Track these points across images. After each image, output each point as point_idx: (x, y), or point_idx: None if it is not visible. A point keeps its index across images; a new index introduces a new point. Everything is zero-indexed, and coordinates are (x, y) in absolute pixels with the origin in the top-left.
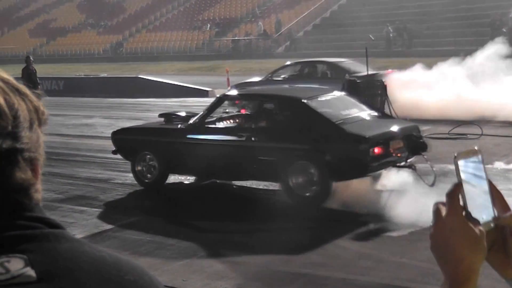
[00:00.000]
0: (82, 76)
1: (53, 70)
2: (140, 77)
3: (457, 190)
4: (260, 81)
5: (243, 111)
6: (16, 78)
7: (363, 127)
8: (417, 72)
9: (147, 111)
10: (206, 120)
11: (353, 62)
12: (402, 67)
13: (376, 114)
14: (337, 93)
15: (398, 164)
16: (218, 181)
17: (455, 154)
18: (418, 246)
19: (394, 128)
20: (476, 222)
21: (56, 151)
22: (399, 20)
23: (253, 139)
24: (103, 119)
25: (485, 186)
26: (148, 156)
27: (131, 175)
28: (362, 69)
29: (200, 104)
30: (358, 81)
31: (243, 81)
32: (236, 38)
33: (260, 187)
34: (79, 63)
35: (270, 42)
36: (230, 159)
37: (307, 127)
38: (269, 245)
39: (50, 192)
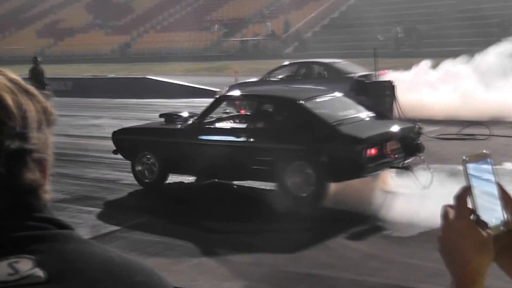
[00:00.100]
0: (90, 76)
1: (61, 71)
2: (148, 78)
3: (465, 193)
4: (256, 81)
5: (242, 112)
6: (24, 79)
7: (359, 128)
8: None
9: (155, 112)
10: (205, 121)
11: (348, 63)
12: (410, 67)
13: (373, 115)
14: (334, 94)
15: (394, 165)
16: (217, 181)
17: (464, 157)
18: (427, 247)
19: (390, 129)
20: (484, 225)
21: (64, 151)
22: (407, 20)
23: (250, 139)
24: (111, 120)
25: (495, 190)
26: (148, 156)
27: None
28: (356, 70)
29: (207, 104)
30: (366, 81)
31: (240, 82)
32: (244, 38)
33: (263, 186)
34: (87, 64)
35: (278, 42)
36: (227, 159)
37: (304, 128)
38: (276, 245)
39: (58, 193)
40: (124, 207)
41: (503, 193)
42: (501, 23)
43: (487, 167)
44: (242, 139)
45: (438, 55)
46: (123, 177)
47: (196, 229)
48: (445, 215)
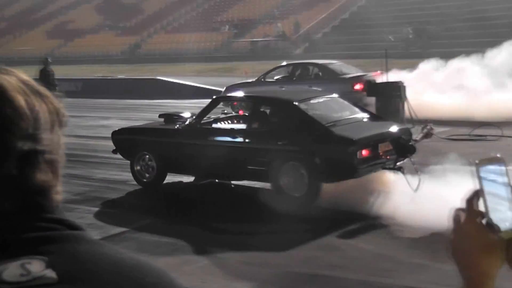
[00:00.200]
0: (100, 77)
1: (71, 72)
2: (158, 79)
3: (475, 196)
4: (252, 82)
5: (241, 112)
6: (34, 80)
7: (353, 129)
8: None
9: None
10: (202, 121)
11: (343, 64)
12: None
13: (368, 116)
14: (330, 96)
15: (387, 167)
16: (218, 181)
17: (476, 161)
18: (437, 248)
19: (383, 130)
20: (495, 229)
21: (73, 152)
22: (417, 21)
23: (245, 140)
24: (121, 121)
25: (509, 194)
26: (147, 156)
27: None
28: (351, 71)
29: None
30: (377, 82)
31: (236, 83)
32: (254, 39)
33: (267, 187)
34: (96, 65)
35: (288, 43)
36: (223, 159)
37: (298, 129)
38: (284, 246)
39: (67, 193)
40: (132, 208)
41: None
42: (510, 24)
43: (500, 170)
44: (237, 139)
45: (448, 56)
46: (132, 178)
47: (204, 229)
48: (455, 217)
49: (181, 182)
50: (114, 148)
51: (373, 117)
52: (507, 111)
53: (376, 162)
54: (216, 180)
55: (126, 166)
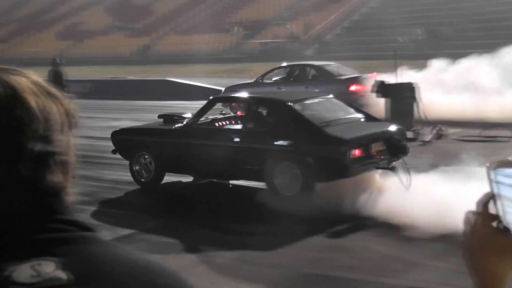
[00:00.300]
0: (109, 78)
1: (80, 73)
2: (167, 80)
3: (488, 199)
4: (250, 83)
5: (239, 113)
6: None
7: (345, 129)
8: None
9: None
10: (199, 122)
11: (339, 65)
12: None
13: (363, 117)
14: (325, 97)
15: (380, 166)
16: (216, 181)
17: (487, 164)
18: (449, 249)
19: (376, 130)
20: (507, 232)
21: (82, 153)
22: (428, 22)
23: (240, 140)
24: (130, 122)
25: None
26: (146, 156)
27: (170, 178)
28: (347, 72)
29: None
30: (387, 83)
31: (235, 84)
32: (264, 40)
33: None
34: (106, 66)
35: (298, 44)
36: (219, 159)
37: (292, 129)
38: (295, 247)
39: (76, 194)
40: (142, 209)
41: None
42: None
43: None
44: (233, 139)
45: (459, 57)
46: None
47: (214, 230)
48: (467, 220)
49: (184, 182)
50: (114, 148)
51: (368, 118)
52: None
53: (369, 162)
54: (215, 180)
55: None
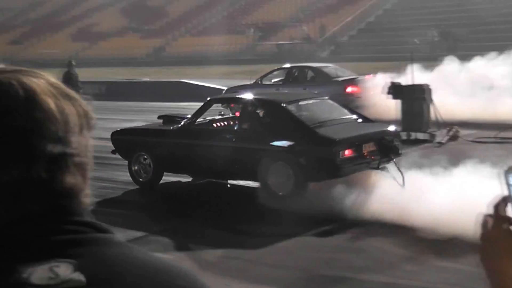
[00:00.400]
0: (124, 80)
1: (95, 74)
2: (181, 81)
3: (502, 202)
4: (250, 84)
5: (237, 114)
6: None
7: (337, 130)
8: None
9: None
10: (196, 122)
11: (337, 67)
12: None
13: (356, 118)
14: (321, 98)
15: (372, 167)
16: (214, 180)
17: (505, 168)
18: (464, 250)
19: (368, 131)
20: None
21: (95, 154)
22: (444, 24)
23: (235, 140)
24: (144, 123)
25: None
26: (145, 157)
27: (170, 178)
28: (345, 74)
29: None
30: (402, 85)
31: (235, 86)
32: (280, 42)
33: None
34: (121, 67)
35: (313, 46)
36: (214, 159)
37: (285, 130)
38: (309, 248)
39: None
40: (155, 210)
41: None
42: None
43: None
44: (228, 139)
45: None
46: (166, 181)
47: (227, 231)
48: (482, 223)
49: (183, 182)
50: (113, 148)
51: (362, 119)
52: None
53: (360, 162)
54: (214, 180)
55: None
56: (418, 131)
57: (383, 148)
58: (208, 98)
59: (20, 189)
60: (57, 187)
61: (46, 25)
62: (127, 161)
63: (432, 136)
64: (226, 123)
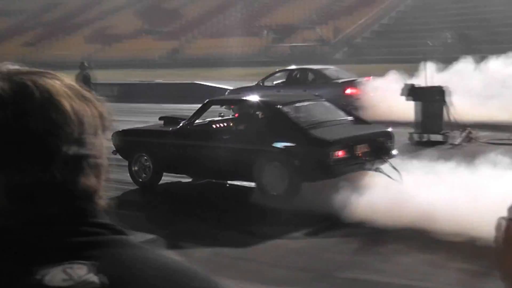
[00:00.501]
0: (138, 82)
1: (109, 76)
2: (196, 83)
3: None
4: (252, 86)
5: (237, 115)
6: None
7: (330, 131)
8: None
9: (203, 117)
10: (194, 124)
11: (337, 69)
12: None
13: (352, 119)
14: (317, 100)
15: (366, 168)
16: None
17: None
18: (483, 252)
19: (360, 132)
20: None
21: (108, 156)
22: (458, 26)
23: (231, 141)
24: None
25: None
26: (145, 158)
27: (182, 180)
28: (344, 76)
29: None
30: (417, 87)
31: (237, 87)
32: (294, 44)
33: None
34: (135, 69)
35: (328, 48)
36: (211, 160)
37: (280, 131)
38: (325, 250)
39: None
40: (168, 211)
41: None
42: None
43: None
44: (224, 140)
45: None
46: (167, 181)
47: (241, 233)
48: (498, 226)
49: (184, 182)
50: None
51: (357, 120)
52: None
53: (353, 163)
54: (213, 180)
55: None
56: (432, 133)
57: (376, 149)
58: (207, 100)
59: (36, 191)
60: (72, 188)
61: (60, 27)
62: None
63: (446, 137)
64: (225, 124)
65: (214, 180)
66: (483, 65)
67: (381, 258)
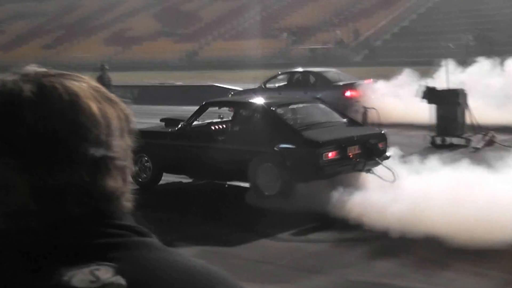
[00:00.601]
0: (157, 84)
1: (128, 78)
2: (213, 85)
3: None
4: (255, 89)
5: (233, 117)
6: None
7: (322, 133)
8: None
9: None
10: (191, 125)
11: (338, 72)
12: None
13: (346, 121)
14: (312, 102)
15: (358, 169)
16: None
17: None
18: (501, 256)
19: (352, 134)
20: None
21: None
22: (479, 28)
23: (227, 142)
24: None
25: None
26: (146, 158)
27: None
28: (346, 78)
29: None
30: (438, 89)
31: (240, 90)
32: (313, 46)
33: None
34: (154, 72)
35: (347, 50)
36: (208, 160)
37: (273, 132)
38: (344, 254)
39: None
40: (186, 213)
41: None
42: None
43: None
44: (220, 142)
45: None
46: (182, 183)
47: (261, 236)
48: None
49: (185, 182)
50: None
51: (350, 122)
52: None
53: (345, 164)
54: (213, 181)
55: None
56: (453, 136)
57: (367, 151)
58: (204, 102)
59: (63, 192)
60: (99, 190)
61: (79, 29)
62: None
63: (468, 141)
64: (222, 125)
65: (213, 181)
66: (504, 67)
67: (398, 262)
